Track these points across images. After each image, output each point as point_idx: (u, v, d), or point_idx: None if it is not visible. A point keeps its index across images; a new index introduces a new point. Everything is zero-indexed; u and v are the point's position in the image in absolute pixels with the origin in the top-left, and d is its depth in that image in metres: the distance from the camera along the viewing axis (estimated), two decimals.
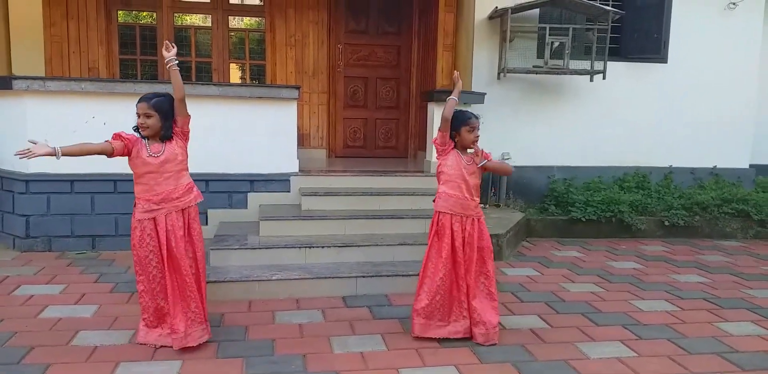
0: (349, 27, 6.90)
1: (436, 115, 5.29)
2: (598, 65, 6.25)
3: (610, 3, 6.50)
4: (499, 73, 6.33)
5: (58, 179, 4.72)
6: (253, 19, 7.11)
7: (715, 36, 6.81)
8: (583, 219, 5.84)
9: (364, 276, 3.93)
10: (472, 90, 5.76)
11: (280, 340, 3.12)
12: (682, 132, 6.87)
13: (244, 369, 2.79)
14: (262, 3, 6.83)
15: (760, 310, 3.83)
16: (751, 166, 7.11)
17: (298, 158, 5.15)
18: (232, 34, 6.95)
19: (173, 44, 2.94)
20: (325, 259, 4.18)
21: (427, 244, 3.19)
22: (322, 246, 4.21)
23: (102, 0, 6.39)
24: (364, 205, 4.84)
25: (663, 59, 6.76)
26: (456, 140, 3.13)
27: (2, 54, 4.92)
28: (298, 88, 4.99)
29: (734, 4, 6.74)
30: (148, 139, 2.93)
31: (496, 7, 6.15)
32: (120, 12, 6.67)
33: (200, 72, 6.86)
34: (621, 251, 5.43)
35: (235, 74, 7.14)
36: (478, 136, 3.15)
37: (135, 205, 2.94)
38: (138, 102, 2.89)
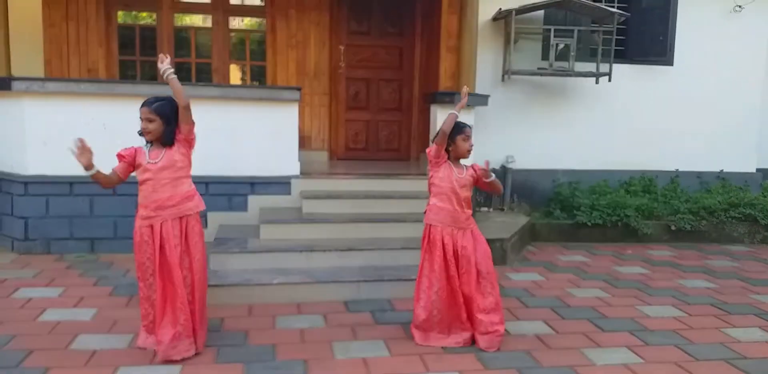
0: (351, 28, 6.86)
1: (439, 117, 5.24)
2: (604, 67, 6.21)
3: (616, 5, 6.46)
4: (503, 75, 6.29)
5: (57, 181, 4.67)
6: (254, 19, 7.07)
7: (721, 38, 6.78)
8: (589, 224, 5.79)
9: (366, 281, 3.88)
10: (476, 92, 5.71)
11: (281, 345, 3.08)
12: (688, 135, 6.83)
13: None
14: (263, 4, 6.79)
15: (767, 316, 3.78)
16: (758, 170, 7.07)
17: (299, 160, 5.10)
18: (233, 34, 6.92)
19: (167, 55, 2.88)
20: (326, 263, 4.13)
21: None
22: (324, 250, 4.16)
23: (102, 1, 6.36)
24: (366, 208, 4.79)
25: (669, 62, 6.72)
26: (450, 150, 3.11)
27: (1, 55, 4.88)
28: (299, 89, 4.96)
29: (740, 6, 6.70)
30: (152, 145, 2.89)
31: (500, 9, 6.11)
32: (120, 13, 6.64)
33: (200, 73, 6.82)
34: (627, 256, 5.38)
35: (235, 75, 7.10)
36: (472, 145, 3.14)
37: (137, 211, 2.92)
38: (141, 106, 2.85)
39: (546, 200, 6.41)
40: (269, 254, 4.10)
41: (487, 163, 3.16)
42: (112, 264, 4.50)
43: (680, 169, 6.83)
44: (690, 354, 3.11)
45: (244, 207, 4.96)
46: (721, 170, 6.93)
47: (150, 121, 2.82)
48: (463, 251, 3.08)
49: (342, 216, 4.60)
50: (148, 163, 2.86)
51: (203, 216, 4.68)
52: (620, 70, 6.40)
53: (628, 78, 6.60)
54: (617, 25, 6.13)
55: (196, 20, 7.03)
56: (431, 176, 3.15)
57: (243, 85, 6.83)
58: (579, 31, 6.13)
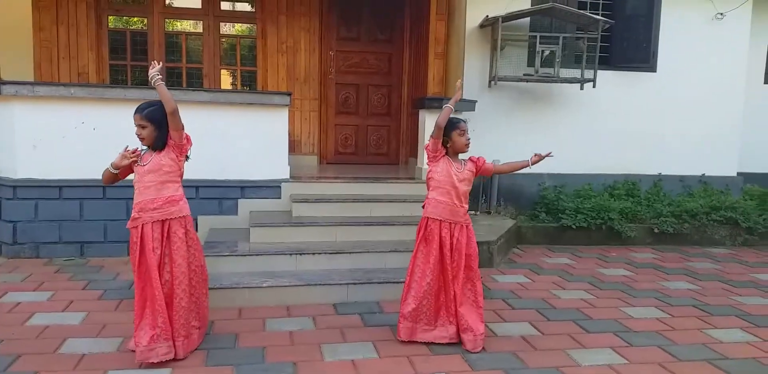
0: (341, 34, 6.92)
1: (428, 122, 5.31)
2: (588, 74, 6.30)
3: (600, 12, 6.57)
4: (490, 81, 6.37)
5: (46, 185, 4.67)
6: (245, 25, 7.11)
7: (703, 45, 6.91)
8: (574, 227, 5.87)
9: (355, 283, 3.91)
10: (463, 97, 5.76)
11: (270, 348, 3.10)
12: (671, 140, 6.94)
13: None
14: (253, 10, 6.84)
15: (748, 317, 3.85)
16: (738, 173, 7.19)
17: (289, 164, 5.13)
18: (224, 40, 6.95)
19: (159, 61, 2.92)
20: (315, 266, 4.16)
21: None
22: (313, 253, 4.19)
23: (92, 5, 6.37)
24: (355, 212, 4.83)
25: (652, 68, 6.83)
26: (448, 146, 3.15)
27: None
28: (289, 94, 4.99)
29: (722, 14, 6.84)
30: (147, 148, 2.95)
31: (487, 16, 6.20)
32: (110, 17, 6.65)
33: (191, 78, 6.84)
34: (611, 258, 5.46)
35: (226, 80, 7.13)
36: (469, 139, 3.19)
37: None
38: (134, 113, 2.89)
39: (532, 203, 6.49)
40: (259, 257, 4.12)
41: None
42: (101, 268, 4.50)
43: (663, 173, 6.94)
44: (673, 355, 3.16)
45: (234, 210, 4.98)
46: (703, 174, 7.05)
47: (142, 127, 2.86)
48: (458, 244, 3.13)
49: (331, 220, 4.64)
50: (138, 165, 2.90)
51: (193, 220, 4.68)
52: (604, 76, 6.51)
53: (612, 84, 6.70)
54: (601, 32, 6.23)
55: (187, 26, 7.05)
56: (429, 170, 3.19)
57: (233, 90, 6.85)
58: (564, 38, 6.23)
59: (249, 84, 7.07)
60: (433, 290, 3.14)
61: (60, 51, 6.34)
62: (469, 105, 5.79)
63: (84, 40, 6.38)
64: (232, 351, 3.06)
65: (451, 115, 3.12)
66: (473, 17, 6.14)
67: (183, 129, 2.91)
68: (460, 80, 3.36)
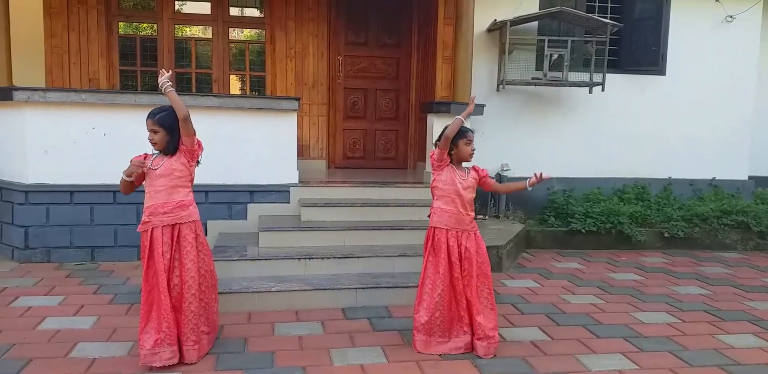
0: (349, 39, 6.94)
1: (436, 126, 5.31)
2: (597, 77, 6.29)
3: (609, 15, 6.56)
4: (498, 85, 6.37)
5: (57, 190, 4.71)
6: (253, 31, 7.15)
7: (712, 48, 6.88)
8: (583, 231, 5.84)
9: (363, 288, 3.91)
10: None
11: (279, 352, 3.10)
12: (680, 143, 6.91)
13: None
14: (262, 15, 6.88)
15: (761, 322, 3.81)
16: (750, 177, 7.13)
17: (297, 169, 5.15)
18: (233, 45, 6.99)
19: (168, 69, 2.95)
20: (324, 270, 4.16)
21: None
22: (322, 258, 4.20)
23: (103, 12, 6.44)
24: (363, 216, 4.84)
25: (661, 71, 6.81)
26: (453, 154, 3.15)
27: (3, 65, 4.94)
28: (298, 99, 5.01)
29: (732, 17, 6.80)
30: (159, 153, 2.97)
31: (495, 20, 6.20)
32: (121, 24, 6.71)
33: (200, 83, 6.89)
34: (621, 262, 5.43)
35: (235, 85, 7.17)
36: (474, 149, 3.19)
37: None
38: (146, 118, 2.92)
39: (540, 208, 6.47)
40: (268, 262, 4.13)
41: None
42: (112, 272, 4.53)
43: (673, 177, 6.90)
44: (684, 360, 3.14)
45: (243, 215, 5.00)
46: (714, 178, 7.00)
47: (155, 132, 2.89)
48: (467, 253, 3.12)
49: (340, 224, 4.65)
50: (149, 169, 2.92)
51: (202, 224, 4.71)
52: (613, 79, 6.50)
53: (621, 87, 6.69)
54: (610, 35, 6.22)
55: (196, 31, 7.10)
56: (434, 179, 3.19)
57: (242, 95, 6.88)
58: (572, 41, 6.22)
59: (258, 89, 7.11)
60: (445, 301, 3.12)
61: (71, 57, 6.41)
62: (478, 109, 5.78)
63: (94, 46, 6.44)
64: (241, 355, 3.06)
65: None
66: (481, 21, 6.15)
67: (195, 134, 2.94)
68: (474, 94, 3.34)
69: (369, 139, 7.13)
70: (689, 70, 6.85)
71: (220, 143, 4.80)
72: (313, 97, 6.89)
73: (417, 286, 3.23)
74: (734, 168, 7.05)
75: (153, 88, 6.75)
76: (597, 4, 6.63)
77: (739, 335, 3.57)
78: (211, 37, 6.83)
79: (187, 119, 2.86)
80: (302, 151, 6.64)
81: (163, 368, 2.84)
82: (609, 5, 6.66)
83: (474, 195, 3.22)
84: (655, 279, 4.84)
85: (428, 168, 5.58)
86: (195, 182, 3.08)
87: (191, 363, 2.92)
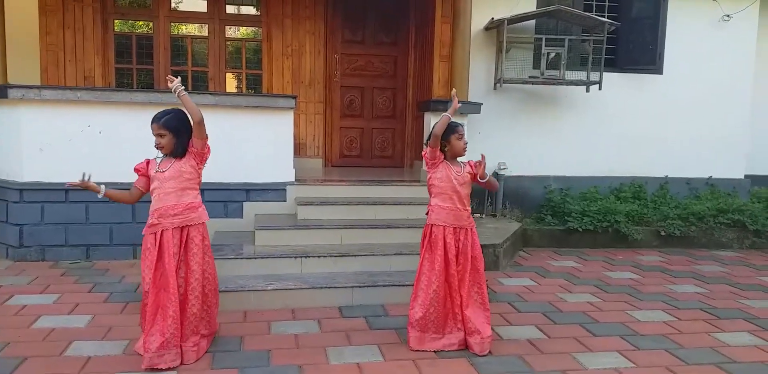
0: (346, 37, 6.93)
1: (433, 124, 5.29)
2: (594, 76, 6.29)
3: (606, 14, 6.55)
4: (495, 84, 6.36)
5: (52, 188, 4.68)
6: (250, 28, 7.14)
7: (709, 47, 6.89)
8: (580, 229, 5.85)
9: (360, 286, 3.90)
10: (469, 100, 5.78)
11: (275, 351, 3.10)
12: (677, 142, 6.91)
13: None
14: (258, 13, 6.86)
15: (756, 320, 3.82)
16: (746, 176, 7.15)
17: (294, 167, 5.14)
18: (229, 43, 6.98)
19: (176, 76, 2.93)
20: (321, 269, 4.16)
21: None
22: (318, 256, 4.19)
23: (99, 9, 6.41)
24: (360, 215, 4.83)
25: (658, 70, 6.81)
26: (446, 150, 3.15)
27: None
28: (294, 97, 5.00)
29: (728, 16, 6.81)
30: (165, 155, 2.96)
31: (493, 18, 6.19)
32: (116, 21, 6.69)
33: (196, 81, 6.87)
34: (618, 261, 5.43)
35: (231, 84, 7.15)
36: (466, 143, 3.20)
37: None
38: (151, 123, 2.91)
39: (537, 206, 6.47)
40: (264, 260, 4.12)
41: (483, 157, 3.16)
42: (107, 271, 4.51)
43: (670, 176, 6.91)
44: (680, 359, 3.14)
45: (239, 213, 4.99)
46: (710, 176, 7.01)
47: (161, 136, 2.88)
48: (464, 248, 3.13)
49: (336, 223, 4.64)
50: (157, 171, 2.92)
51: None
52: (610, 78, 6.49)
53: (618, 86, 6.69)
54: (607, 34, 6.21)
55: (193, 29, 7.09)
56: (430, 177, 3.19)
57: (239, 93, 6.88)
58: (570, 40, 6.22)
59: (254, 87, 7.09)
60: (440, 297, 3.12)
61: (66, 55, 6.38)
62: (475, 107, 5.78)
63: (90, 43, 6.42)
64: (237, 353, 3.05)
65: (459, 119, 3.12)
66: (478, 20, 6.15)
67: (207, 138, 2.94)
68: (454, 89, 3.33)
69: (366, 138, 7.12)
70: (686, 69, 6.85)
71: (216, 141, 4.71)
72: (310, 95, 6.88)
73: (413, 284, 3.22)
74: (731, 167, 7.06)
75: (148, 85, 6.74)
76: (594, 2, 6.63)
77: (735, 333, 3.57)
78: (207, 34, 6.82)
79: (202, 122, 2.87)
80: (299, 150, 6.62)
81: (164, 368, 2.83)
82: (606, 4, 6.66)
83: (470, 190, 3.22)
84: (652, 278, 4.85)
85: (425, 166, 5.57)
86: None
87: (188, 364, 2.90)
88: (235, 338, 3.25)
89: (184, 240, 2.93)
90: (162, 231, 2.88)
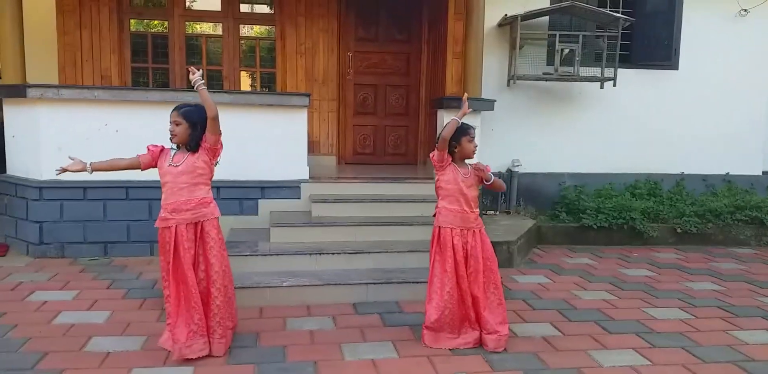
0: (359, 35, 6.93)
1: (446, 121, 5.28)
2: (609, 72, 6.24)
3: (620, 10, 6.50)
4: (509, 80, 6.34)
5: (70, 186, 4.75)
6: (264, 27, 7.16)
7: (726, 43, 6.80)
8: (595, 227, 5.81)
9: (374, 283, 3.92)
10: (482, 97, 5.76)
11: (291, 347, 3.12)
12: (693, 138, 6.84)
13: None
14: (272, 12, 6.89)
15: None
16: (764, 173, 7.06)
17: (308, 165, 5.17)
18: (243, 42, 7.01)
19: (198, 68, 2.96)
20: (335, 266, 4.18)
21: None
22: (333, 253, 4.21)
23: (115, 9, 6.47)
24: (374, 212, 4.84)
25: (674, 66, 6.74)
26: (456, 151, 3.16)
27: (16, 62, 4.97)
28: (308, 95, 5.02)
29: (746, 10, 6.72)
30: (178, 148, 2.99)
31: (506, 15, 6.17)
32: (132, 21, 6.74)
33: (211, 80, 6.91)
34: (633, 258, 5.40)
35: (245, 82, 7.19)
36: (476, 145, 3.21)
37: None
38: (171, 111, 2.96)
39: (552, 203, 6.44)
40: (279, 257, 4.15)
41: (488, 168, 3.22)
42: (125, 267, 4.57)
43: (686, 172, 6.84)
44: (697, 357, 3.12)
45: (254, 210, 5.02)
46: (727, 173, 6.93)
47: (177, 124, 2.92)
48: (473, 250, 3.14)
49: (350, 220, 4.66)
50: (170, 165, 2.95)
51: None
52: (625, 74, 6.43)
53: (633, 82, 6.63)
54: (622, 30, 6.16)
55: (207, 28, 7.13)
56: (438, 179, 3.21)
57: (253, 92, 6.91)
58: (584, 36, 6.17)
59: (268, 85, 7.12)
60: (454, 299, 3.14)
61: (83, 54, 6.45)
62: (488, 104, 5.76)
63: (106, 43, 6.48)
64: (253, 349, 3.09)
65: (468, 116, 3.13)
66: (491, 16, 6.12)
67: (221, 134, 2.97)
68: (465, 94, 3.34)
69: (379, 135, 7.13)
70: (702, 64, 6.77)
71: (231, 139, 4.77)
72: (324, 93, 6.89)
73: (427, 282, 3.23)
74: (748, 163, 6.97)
75: (164, 84, 6.79)
76: None
77: (753, 331, 3.54)
78: (221, 33, 6.85)
79: (216, 118, 2.90)
80: (312, 147, 6.64)
81: (182, 361, 2.87)
82: None
83: (477, 192, 3.23)
84: (668, 275, 4.81)
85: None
86: None
87: (218, 356, 2.95)
88: (251, 334, 3.28)
89: (198, 235, 2.97)
90: (176, 226, 2.91)
